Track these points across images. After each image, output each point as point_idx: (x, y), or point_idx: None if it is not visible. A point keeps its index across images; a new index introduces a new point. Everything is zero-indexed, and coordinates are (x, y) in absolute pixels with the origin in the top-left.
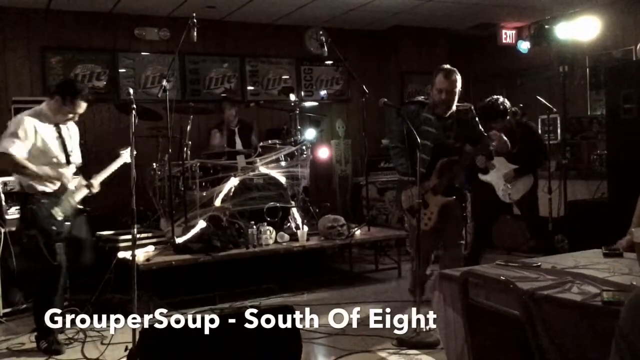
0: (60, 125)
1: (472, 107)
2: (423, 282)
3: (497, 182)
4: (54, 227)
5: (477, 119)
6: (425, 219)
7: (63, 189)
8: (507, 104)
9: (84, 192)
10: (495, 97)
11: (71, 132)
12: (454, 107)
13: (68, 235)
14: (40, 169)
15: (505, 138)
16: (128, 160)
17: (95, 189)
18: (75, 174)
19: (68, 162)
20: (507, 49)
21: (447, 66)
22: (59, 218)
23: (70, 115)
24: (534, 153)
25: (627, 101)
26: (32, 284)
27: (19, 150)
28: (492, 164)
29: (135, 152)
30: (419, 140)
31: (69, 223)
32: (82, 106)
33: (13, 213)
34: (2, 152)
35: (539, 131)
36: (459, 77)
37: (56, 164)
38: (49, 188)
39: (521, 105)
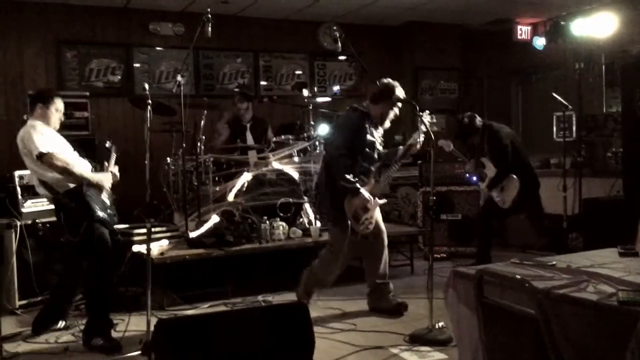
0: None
1: None
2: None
3: (488, 192)
4: (107, 216)
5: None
6: (367, 223)
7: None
8: (475, 118)
9: (110, 179)
10: (465, 116)
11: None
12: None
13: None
14: (81, 169)
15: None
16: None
17: (117, 176)
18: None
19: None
20: (522, 45)
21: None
22: (108, 206)
23: (58, 115)
24: (499, 159)
25: None
26: (88, 279)
27: (53, 147)
28: (485, 172)
29: (149, 155)
30: (367, 150)
31: (114, 210)
32: (61, 102)
33: (29, 206)
34: (43, 153)
35: (504, 132)
36: None
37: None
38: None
39: (468, 113)
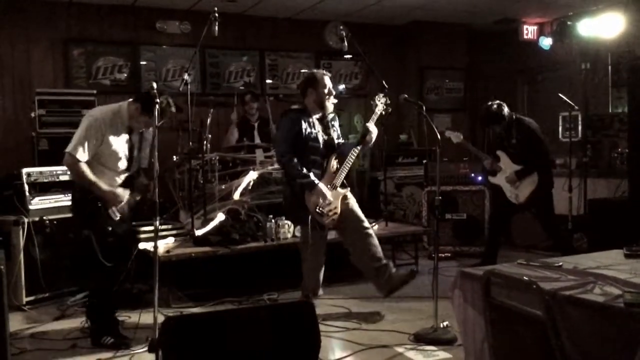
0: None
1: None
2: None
3: (504, 184)
4: (109, 228)
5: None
6: (332, 215)
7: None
8: (503, 107)
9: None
10: (493, 103)
11: (145, 134)
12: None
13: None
14: (97, 181)
15: (375, 130)
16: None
17: (151, 191)
18: (137, 173)
19: (128, 169)
20: (528, 45)
21: (323, 70)
22: (116, 218)
23: (145, 126)
24: (534, 153)
25: None
26: (85, 281)
27: (82, 154)
28: (499, 165)
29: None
30: (310, 143)
31: (124, 224)
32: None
33: (37, 203)
34: (69, 153)
35: (535, 127)
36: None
37: (113, 169)
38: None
39: (497, 101)
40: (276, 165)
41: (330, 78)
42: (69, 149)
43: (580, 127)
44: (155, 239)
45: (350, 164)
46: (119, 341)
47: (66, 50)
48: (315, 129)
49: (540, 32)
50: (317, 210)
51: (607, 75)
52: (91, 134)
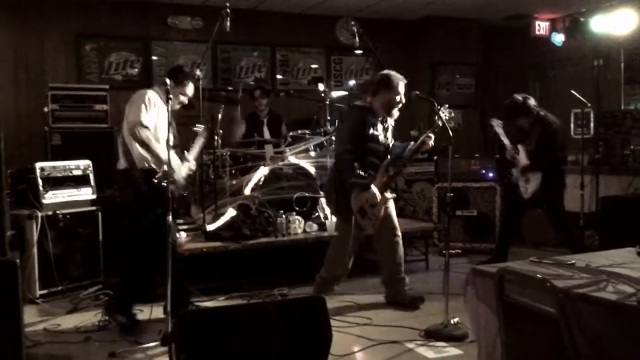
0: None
1: None
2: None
3: (518, 178)
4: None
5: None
6: (374, 219)
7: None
8: (530, 101)
9: (187, 169)
10: (519, 95)
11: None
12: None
13: None
14: (161, 151)
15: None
16: (204, 135)
17: (193, 165)
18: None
19: (174, 146)
20: (541, 41)
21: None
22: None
23: (182, 97)
24: (547, 154)
25: None
26: (132, 260)
27: (149, 121)
28: (518, 158)
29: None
30: (371, 145)
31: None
32: (191, 87)
33: (50, 198)
34: (136, 121)
35: (557, 124)
36: None
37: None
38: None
39: (523, 94)
40: (287, 161)
41: (405, 85)
42: (137, 119)
43: (592, 124)
44: (168, 234)
45: (401, 169)
46: (128, 323)
47: (79, 46)
48: (377, 131)
49: (553, 28)
50: (362, 212)
51: (620, 72)
52: (149, 104)
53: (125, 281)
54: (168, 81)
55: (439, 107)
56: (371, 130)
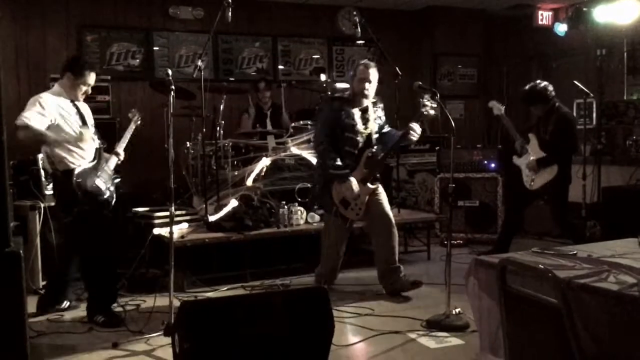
0: (76, 103)
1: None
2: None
3: (524, 168)
4: (101, 197)
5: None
6: (356, 209)
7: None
8: (550, 89)
9: (114, 160)
10: (537, 82)
11: (85, 111)
12: (370, 99)
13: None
14: (58, 135)
15: (418, 130)
16: (137, 122)
17: (122, 156)
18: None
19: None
20: (543, 31)
21: (366, 60)
22: (103, 188)
23: (84, 88)
24: (563, 145)
25: None
26: (85, 259)
27: (36, 122)
28: (526, 148)
29: (172, 141)
30: (346, 134)
31: (112, 191)
32: (92, 77)
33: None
34: (19, 125)
35: (572, 116)
36: (375, 70)
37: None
38: (84, 162)
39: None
40: (288, 152)
41: (367, 66)
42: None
43: (594, 114)
44: (170, 224)
45: (384, 159)
46: (109, 320)
47: (80, 36)
48: (354, 120)
49: (555, 18)
50: (344, 202)
51: (623, 62)
52: (41, 107)
53: (89, 282)
54: (67, 74)
55: (423, 97)
56: (346, 120)
